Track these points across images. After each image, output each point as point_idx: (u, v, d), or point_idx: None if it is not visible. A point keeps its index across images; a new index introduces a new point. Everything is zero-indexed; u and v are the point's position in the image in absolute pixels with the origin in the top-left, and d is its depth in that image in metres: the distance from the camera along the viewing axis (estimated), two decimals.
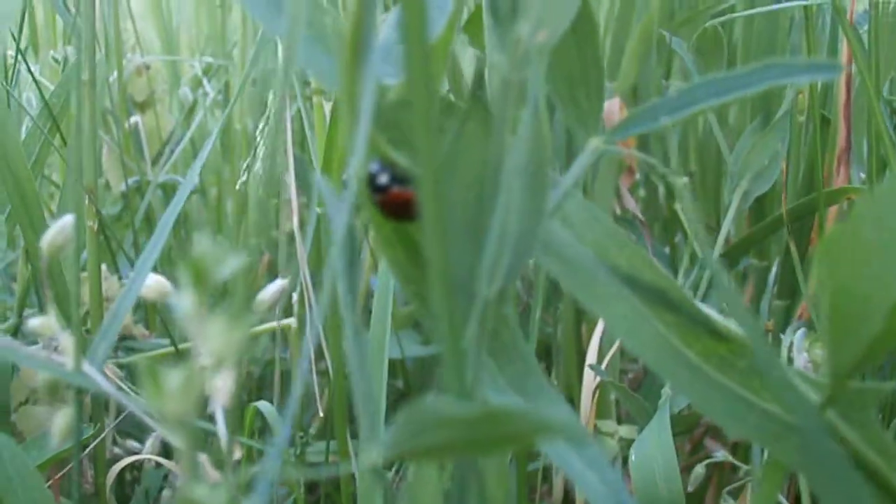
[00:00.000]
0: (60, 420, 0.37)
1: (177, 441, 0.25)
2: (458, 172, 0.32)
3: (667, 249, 0.79)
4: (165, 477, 0.78)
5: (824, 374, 0.33)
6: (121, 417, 0.72)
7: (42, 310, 0.76)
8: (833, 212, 0.66)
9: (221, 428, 0.37)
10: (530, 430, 0.22)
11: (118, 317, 0.39)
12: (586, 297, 0.34)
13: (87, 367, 0.37)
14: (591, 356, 0.69)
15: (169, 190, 0.96)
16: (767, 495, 0.36)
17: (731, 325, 0.34)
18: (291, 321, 0.68)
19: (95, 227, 0.73)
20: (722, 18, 0.67)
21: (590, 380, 0.68)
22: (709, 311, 0.34)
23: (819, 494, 0.35)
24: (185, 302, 0.25)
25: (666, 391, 0.66)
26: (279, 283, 0.40)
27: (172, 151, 0.94)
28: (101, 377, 0.37)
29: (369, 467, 0.27)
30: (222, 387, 0.27)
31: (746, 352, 0.34)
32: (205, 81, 0.90)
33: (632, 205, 0.75)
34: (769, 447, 0.35)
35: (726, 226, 0.67)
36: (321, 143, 0.62)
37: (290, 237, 0.88)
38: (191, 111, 0.93)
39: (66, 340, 0.37)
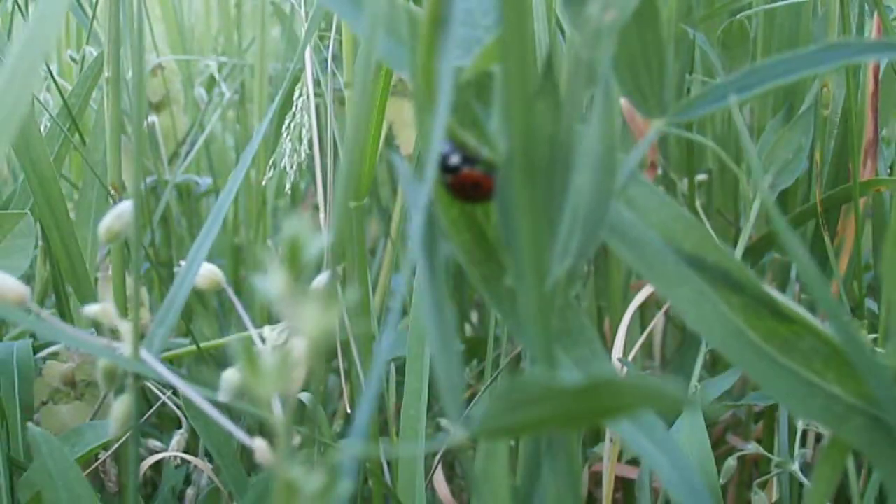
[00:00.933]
0: (119, 407, 0.37)
1: (274, 421, 0.25)
2: (525, 146, 0.31)
3: None
4: (186, 476, 0.78)
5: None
6: (151, 411, 0.72)
7: (60, 307, 0.76)
8: (861, 204, 0.66)
9: (279, 413, 0.37)
10: (643, 401, 0.22)
11: (174, 306, 0.38)
12: (652, 279, 0.34)
13: (145, 355, 0.37)
14: (617, 350, 0.69)
15: (183, 190, 0.96)
16: (828, 477, 0.36)
17: (793, 306, 0.34)
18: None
19: None
20: (748, 12, 0.67)
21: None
22: (773, 291, 0.34)
23: (884, 475, 0.35)
24: (276, 282, 0.25)
25: (693, 384, 0.66)
26: (324, 276, 0.40)
27: (188, 152, 0.94)
28: (160, 365, 0.37)
29: (460, 443, 0.27)
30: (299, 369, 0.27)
31: (809, 333, 0.34)
32: (220, 81, 0.90)
33: None
34: (833, 428, 0.35)
35: (752, 219, 0.67)
36: (351, 136, 0.62)
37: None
38: (206, 111, 0.93)
39: (125, 328, 0.37)
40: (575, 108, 0.31)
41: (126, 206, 0.38)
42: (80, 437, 0.60)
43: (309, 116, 0.67)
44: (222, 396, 0.38)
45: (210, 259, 1.03)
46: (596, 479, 0.76)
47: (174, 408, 0.70)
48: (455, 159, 0.32)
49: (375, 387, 0.27)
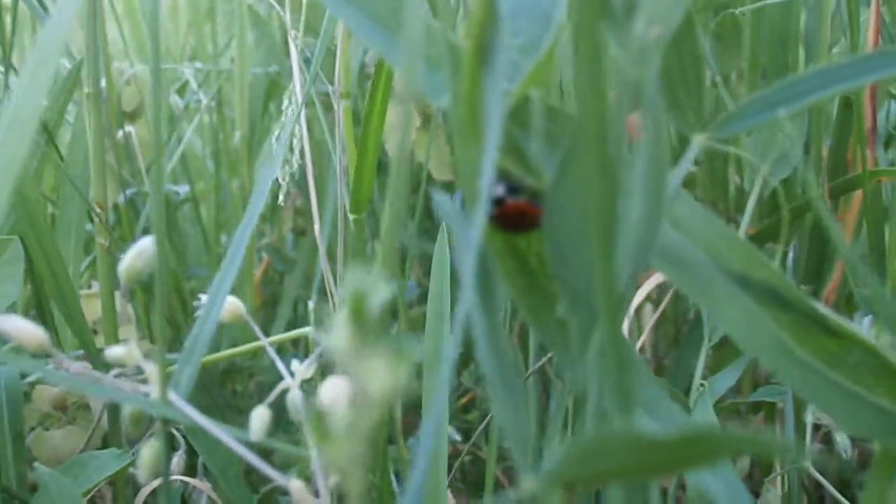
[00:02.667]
0: (147, 453, 0.36)
1: (349, 486, 0.24)
2: (573, 179, 0.30)
3: None
4: (183, 498, 0.76)
5: None
6: (146, 436, 0.70)
7: (44, 326, 0.73)
8: (859, 195, 0.66)
9: (315, 459, 0.36)
10: (742, 450, 0.21)
11: (200, 341, 0.37)
12: (701, 299, 0.33)
13: (173, 397, 0.36)
14: None
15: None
16: (880, 490, 0.35)
17: (841, 321, 0.34)
18: (309, 330, 0.66)
19: (107, 244, 0.72)
20: (745, 8, 0.66)
21: None
22: (821, 307, 0.33)
23: None
24: (340, 338, 0.24)
25: (696, 383, 0.65)
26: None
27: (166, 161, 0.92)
28: (189, 407, 0.36)
29: (527, 496, 0.26)
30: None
31: (857, 346, 0.34)
32: (196, 88, 0.88)
33: None
34: (884, 442, 0.34)
35: (748, 213, 0.67)
36: (351, 148, 0.60)
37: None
38: (181, 120, 0.91)
39: (152, 370, 0.36)
40: (622, 130, 0.30)
41: (147, 243, 0.36)
42: (82, 468, 0.58)
43: (300, 125, 0.65)
44: (254, 436, 0.37)
45: (191, 269, 1.01)
46: None
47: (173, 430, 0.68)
48: (500, 190, 0.31)
49: (428, 455, 0.26)
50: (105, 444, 0.73)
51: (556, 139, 0.32)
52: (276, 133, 0.66)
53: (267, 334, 0.88)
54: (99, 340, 0.76)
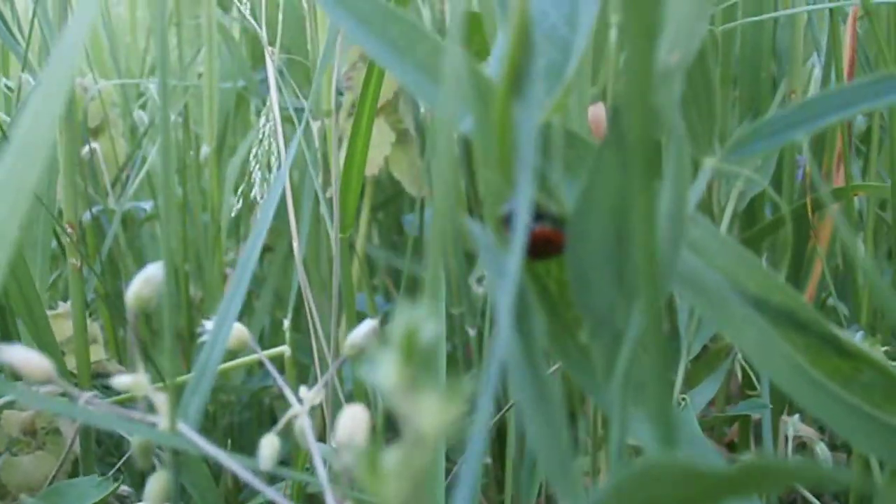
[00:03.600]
0: (155, 485, 0.35)
1: None
2: (595, 205, 0.30)
3: None
4: None
5: None
6: (122, 460, 0.68)
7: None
8: (833, 210, 0.67)
9: (325, 484, 0.36)
10: (804, 482, 0.21)
11: (208, 369, 0.36)
12: (720, 323, 0.33)
13: (182, 428, 0.35)
14: None
15: (125, 217, 0.92)
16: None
17: (852, 341, 0.34)
18: (284, 349, 0.65)
19: (79, 264, 0.70)
20: (729, 25, 0.67)
21: None
22: (836, 329, 0.34)
23: None
24: (390, 375, 0.23)
25: (676, 397, 0.66)
26: (370, 324, 0.39)
27: (128, 178, 0.90)
28: (200, 439, 0.35)
29: None
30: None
31: (869, 367, 0.34)
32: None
33: None
34: (894, 461, 0.35)
35: (723, 228, 0.68)
36: (332, 164, 0.60)
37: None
38: (145, 135, 0.90)
39: (160, 399, 0.35)
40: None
41: (155, 270, 0.35)
42: (60, 497, 0.56)
43: (278, 143, 0.65)
44: (264, 465, 0.37)
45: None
46: None
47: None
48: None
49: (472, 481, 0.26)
50: (76, 470, 0.71)
51: (575, 165, 0.32)
52: (254, 150, 0.65)
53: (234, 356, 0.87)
54: (69, 361, 0.74)
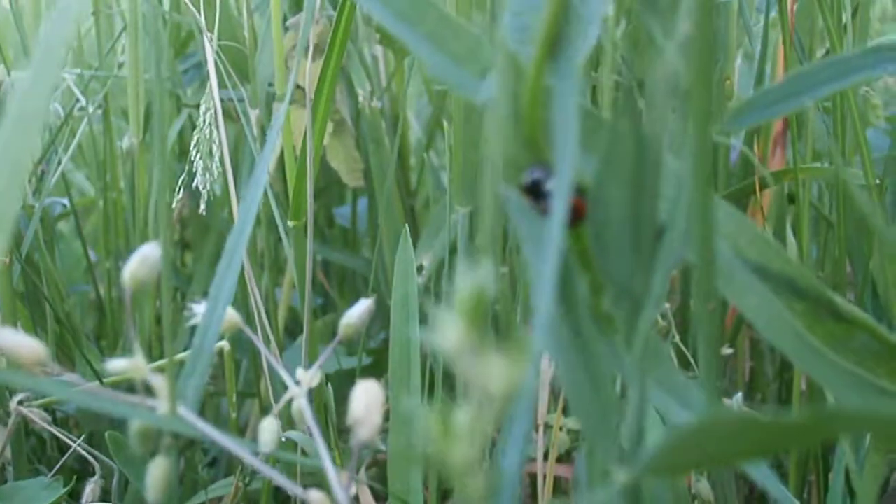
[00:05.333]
0: (157, 472, 0.34)
1: (468, 488, 0.23)
2: (614, 171, 0.31)
3: None
4: None
5: None
6: (65, 458, 0.66)
7: None
8: (768, 194, 0.69)
9: (328, 465, 0.35)
10: (866, 428, 0.22)
11: (204, 351, 0.35)
12: (725, 290, 0.34)
13: (182, 412, 0.34)
14: None
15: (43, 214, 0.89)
16: (875, 468, 0.37)
17: (848, 306, 0.35)
18: (224, 344, 0.64)
19: (7, 260, 0.67)
20: None
21: (546, 376, 0.69)
22: (833, 294, 0.35)
23: None
24: (453, 337, 0.23)
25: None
26: (364, 304, 0.38)
27: (43, 172, 0.87)
28: (201, 422, 0.34)
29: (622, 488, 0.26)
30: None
31: (862, 330, 0.35)
32: (79, 94, 0.84)
33: None
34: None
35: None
36: (289, 152, 0.59)
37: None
38: (62, 128, 0.87)
39: (159, 383, 0.34)
40: (663, 124, 0.31)
41: (151, 249, 0.34)
42: (8, 501, 0.54)
43: (219, 132, 0.63)
44: (265, 448, 0.36)
45: (75, 284, 0.96)
46: (530, 481, 0.76)
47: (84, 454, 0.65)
48: (550, 185, 0.30)
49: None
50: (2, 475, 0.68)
51: (587, 137, 0.33)
52: (195, 139, 0.64)
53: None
54: None
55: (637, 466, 0.26)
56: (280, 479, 0.34)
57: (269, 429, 0.35)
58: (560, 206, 0.27)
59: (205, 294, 0.81)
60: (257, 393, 0.77)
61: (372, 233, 0.85)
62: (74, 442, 0.63)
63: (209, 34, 0.64)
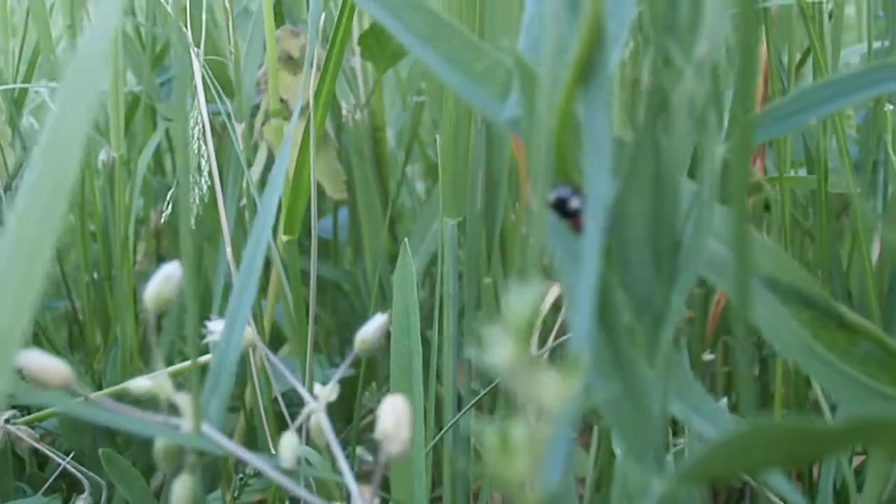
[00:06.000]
0: (181, 490, 0.34)
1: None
2: (635, 189, 0.32)
3: None
4: None
5: None
6: (54, 476, 0.66)
7: None
8: (751, 203, 0.70)
9: (351, 481, 0.35)
10: None
11: (224, 372, 0.36)
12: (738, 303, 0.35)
13: (207, 429, 0.34)
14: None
15: None
16: (880, 470, 0.38)
17: (853, 315, 0.37)
18: (208, 358, 0.64)
19: None
20: None
21: None
22: (839, 305, 0.36)
23: None
24: (504, 354, 0.24)
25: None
26: (381, 319, 0.39)
27: (18, 187, 0.86)
28: (226, 440, 0.34)
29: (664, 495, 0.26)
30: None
31: (865, 338, 0.37)
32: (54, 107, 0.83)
33: None
34: None
35: None
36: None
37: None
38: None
39: (184, 402, 0.34)
40: (682, 143, 0.32)
41: (174, 268, 0.35)
42: None
43: (207, 146, 0.63)
44: (286, 463, 0.36)
45: (48, 299, 0.95)
46: None
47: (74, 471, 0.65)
48: (575, 203, 0.31)
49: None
50: None
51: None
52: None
53: (147, 364, 0.85)
54: None
55: (675, 476, 0.26)
56: (306, 496, 0.35)
57: (289, 444, 0.36)
58: (594, 227, 0.28)
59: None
60: (242, 406, 0.77)
61: (353, 244, 0.85)
62: (62, 459, 0.63)
63: (196, 49, 0.64)
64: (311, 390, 0.39)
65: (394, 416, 0.33)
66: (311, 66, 0.50)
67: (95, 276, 0.87)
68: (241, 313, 0.37)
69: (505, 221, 0.73)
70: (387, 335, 0.57)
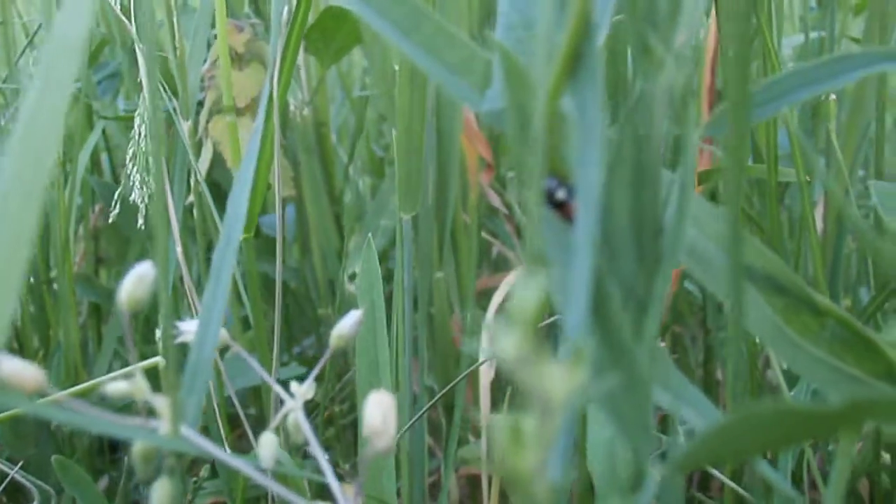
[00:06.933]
0: (160, 493, 0.33)
1: (537, 496, 0.24)
2: (618, 178, 0.32)
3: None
4: None
5: None
6: (2, 486, 0.64)
7: None
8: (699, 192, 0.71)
9: (331, 479, 0.35)
10: None
11: (201, 372, 0.35)
12: (715, 289, 0.35)
13: (186, 431, 0.34)
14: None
15: None
16: (848, 445, 0.39)
17: (821, 298, 0.37)
18: (159, 360, 0.63)
19: None
20: None
21: (486, 378, 0.70)
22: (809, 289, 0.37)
23: None
24: (511, 345, 0.24)
25: None
26: (355, 315, 0.38)
27: None
28: (205, 441, 0.34)
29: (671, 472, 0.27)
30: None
31: (832, 320, 0.37)
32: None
33: (496, 200, 0.77)
34: None
35: None
36: (236, 163, 0.58)
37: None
38: None
39: (162, 403, 0.33)
40: (659, 134, 0.32)
41: (146, 268, 0.34)
42: None
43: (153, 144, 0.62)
44: (266, 464, 0.36)
45: None
46: (469, 482, 0.77)
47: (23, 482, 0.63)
48: (562, 193, 0.31)
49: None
50: None
51: None
52: (130, 151, 0.62)
53: (90, 370, 0.83)
54: None
55: (672, 461, 0.27)
56: (289, 496, 0.34)
57: (268, 444, 0.35)
58: (587, 218, 0.28)
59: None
60: None
61: (301, 242, 0.85)
62: (9, 468, 0.61)
63: (142, 46, 0.63)
64: (287, 389, 0.39)
65: (381, 411, 0.32)
66: (275, 61, 0.49)
67: (32, 280, 0.85)
68: (216, 312, 0.36)
69: (456, 215, 0.73)
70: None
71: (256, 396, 0.85)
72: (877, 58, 0.34)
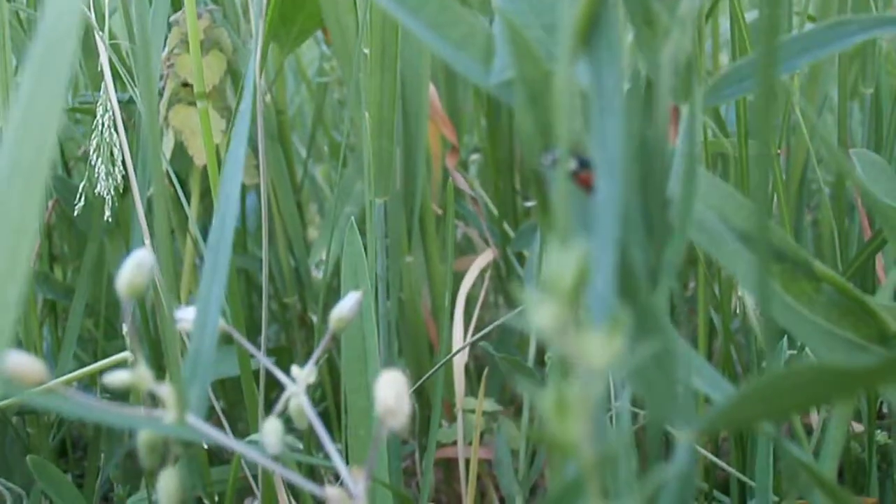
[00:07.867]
0: (168, 482, 0.33)
1: (582, 462, 0.23)
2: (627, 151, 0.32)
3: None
4: None
5: None
6: None
7: None
8: None
9: (339, 463, 0.35)
10: None
11: (202, 359, 0.34)
12: (717, 255, 0.35)
13: (191, 419, 0.33)
14: (457, 334, 0.70)
15: None
16: (842, 415, 0.40)
17: (818, 263, 0.38)
18: (127, 355, 0.62)
19: None
20: None
21: (460, 362, 0.70)
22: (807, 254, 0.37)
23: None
24: (549, 318, 0.24)
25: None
26: (354, 297, 0.38)
27: None
28: (211, 429, 0.33)
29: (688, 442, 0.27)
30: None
31: (829, 285, 0.38)
32: None
33: (461, 182, 0.77)
34: None
35: None
36: (211, 148, 0.57)
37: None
38: None
39: (165, 393, 0.33)
40: (666, 111, 0.32)
41: (144, 255, 0.33)
42: None
43: (119, 134, 0.61)
44: (271, 450, 0.35)
45: None
46: (446, 465, 0.77)
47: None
48: (574, 165, 0.31)
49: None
50: None
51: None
52: (94, 143, 0.61)
53: (57, 365, 0.81)
54: None
55: (702, 423, 0.27)
56: (298, 480, 0.34)
57: (272, 430, 0.35)
58: (611, 188, 0.28)
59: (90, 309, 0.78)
60: None
61: (267, 230, 0.83)
62: None
63: (101, 34, 0.61)
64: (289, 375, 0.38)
65: (394, 390, 0.32)
66: (257, 49, 0.48)
67: None
68: (214, 299, 0.35)
69: (424, 199, 0.72)
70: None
71: (223, 388, 0.84)
72: (872, 24, 0.35)
